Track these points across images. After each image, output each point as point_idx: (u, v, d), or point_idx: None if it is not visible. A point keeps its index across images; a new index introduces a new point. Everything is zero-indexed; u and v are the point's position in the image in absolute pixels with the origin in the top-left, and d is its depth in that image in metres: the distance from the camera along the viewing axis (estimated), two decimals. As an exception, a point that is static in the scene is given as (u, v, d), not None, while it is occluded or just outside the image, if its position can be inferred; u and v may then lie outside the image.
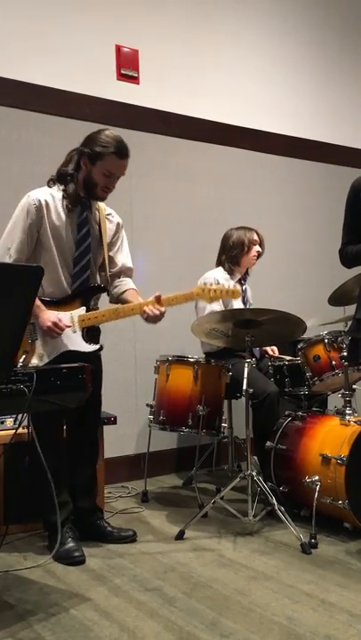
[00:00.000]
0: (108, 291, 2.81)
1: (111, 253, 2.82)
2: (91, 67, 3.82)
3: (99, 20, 3.85)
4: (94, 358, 2.67)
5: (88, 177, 2.64)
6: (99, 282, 2.77)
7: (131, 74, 3.96)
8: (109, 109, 3.84)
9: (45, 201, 2.62)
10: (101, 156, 2.60)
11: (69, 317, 2.62)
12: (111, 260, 2.82)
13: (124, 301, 2.77)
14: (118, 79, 3.93)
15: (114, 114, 3.86)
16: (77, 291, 2.67)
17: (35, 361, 2.56)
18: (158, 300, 2.64)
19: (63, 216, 2.65)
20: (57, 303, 2.63)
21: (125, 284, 2.85)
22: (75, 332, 2.62)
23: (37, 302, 2.56)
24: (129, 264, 2.88)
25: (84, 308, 2.66)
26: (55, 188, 2.68)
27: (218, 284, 3.55)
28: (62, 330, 2.56)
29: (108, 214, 2.82)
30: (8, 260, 2.57)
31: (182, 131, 4.16)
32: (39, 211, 2.61)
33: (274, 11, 4.65)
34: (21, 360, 2.48)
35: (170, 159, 4.11)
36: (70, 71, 3.73)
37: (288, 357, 3.57)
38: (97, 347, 2.67)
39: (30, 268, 2.21)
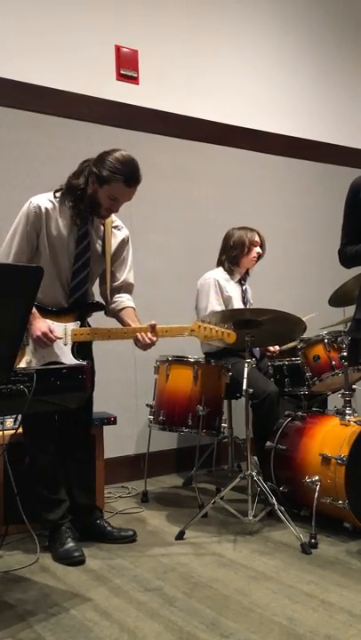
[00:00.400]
0: (106, 310, 2.79)
1: (113, 268, 2.78)
2: (90, 67, 3.82)
3: (98, 19, 3.85)
4: (89, 354, 2.69)
5: (94, 196, 2.59)
6: (94, 298, 2.76)
7: (130, 74, 3.96)
8: (109, 109, 3.84)
9: (46, 208, 2.59)
10: (109, 182, 2.54)
11: (63, 329, 2.59)
12: (112, 274, 2.78)
13: (121, 320, 2.75)
14: (118, 79, 3.93)
15: (113, 114, 3.86)
16: (75, 305, 2.66)
17: (22, 366, 2.52)
18: (153, 328, 2.62)
19: (62, 227, 2.62)
20: (53, 313, 2.61)
21: (124, 301, 2.80)
22: (65, 344, 2.59)
23: (34, 310, 2.54)
24: (130, 280, 2.84)
25: (79, 322, 2.64)
26: (60, 197, 2.63)
27: (217, 285, 3.58)
28: (51, 341, 2.53)
29: (115, 226, 2.78)
30: None
31: (182, 131, 4.16)
32: (39, 217, 2.58)
33: (273, 11, 4.66)
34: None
35: (169, 159, 4.11)
36: (69, 71, 3.73)
37: (291, 344, 3.53)
38: (83, 364, 2.58)
39: (30, 269, 2.21)
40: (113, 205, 2.62)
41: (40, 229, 2.60)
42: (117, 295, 2.81)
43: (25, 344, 2.56)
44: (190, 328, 2.65)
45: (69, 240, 2.63)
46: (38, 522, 2.81)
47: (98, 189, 2.57)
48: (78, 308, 2.66)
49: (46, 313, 2.59)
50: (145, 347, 2.63)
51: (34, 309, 2.53)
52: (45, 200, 2.61)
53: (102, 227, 2.73)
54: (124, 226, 2.83)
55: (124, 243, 2.80)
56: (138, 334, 2.61)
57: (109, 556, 2.61)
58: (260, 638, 1.92)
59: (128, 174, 2.55)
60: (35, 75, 3.60)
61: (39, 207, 2.59)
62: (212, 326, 2.66)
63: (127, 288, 2.84)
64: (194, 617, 2.06)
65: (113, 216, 2.76)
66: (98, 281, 2.82)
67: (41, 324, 2.52)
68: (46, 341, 2.52)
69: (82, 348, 2.64)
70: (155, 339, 2.62)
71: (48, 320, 2.57)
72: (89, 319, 2.76)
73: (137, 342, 2.63)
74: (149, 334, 2.60)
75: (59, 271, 2.63)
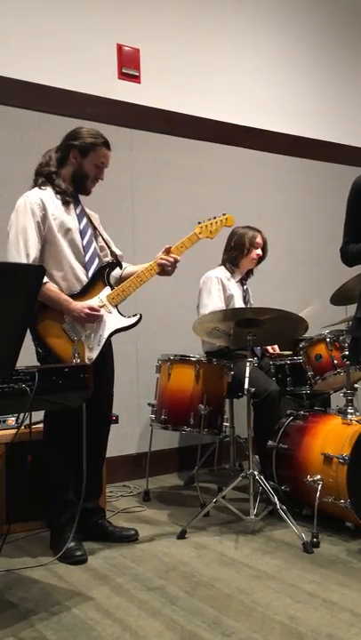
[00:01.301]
0: (121, 264, 2.85)
1: (101, 243, 2.86)
2: (92, 66, 3.81)
3: (100, 19, 3.84)
4: (110, 350, 2.78)
5: (79, 170, 2.70)
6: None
7: (132, 73, 3.96)
8: (110, 108, 3.84)
9: (41, 199, 2.63)
10: (94, 148, 2.68)
11: (98, 300, 2.66)
12: (102, 248, 2.86)
13: (131, 274, 2.80)
14: (119, 78, 3.93)
15: (115, 113, 3.86)
16: (94, 275, 2.69)
17: (89, 354, 2.62)
18: (168, 251, 2.76)
19: (63, 210, 2.67)
20: (80, 295, 2.65)
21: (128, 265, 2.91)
22: (110, 312, 2.68)
23: (63, 296, 2.60)
24: (119, 251, 2.94)
25: (108, 287, 2.71)
26: (43, 186, 2.70)
27: (220, 283, 3.58)
28: (99, 311, 2.62)
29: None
30: (26, 260, 2.55)
31: (184, 130, 4.15)
32: (42, 209, 2.62)
33: (275, 10, 4.65)
34: (76, 360, 2.52)
35: (171, 158, 4.11)
36: (71, 70, 3.73)
37: (288, 352, 3.56)
38: (137, 317, 2.73)
39: (32, 268, 2.21)
40: (98, 173, 2.73)
41: (45, 220, 2.63)
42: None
43: (79, 337, 2.61)
44: (196, 233, 2.82)
45: (72, 220, 2.68)
46: (40, 521, 2.82)
47: (82, 161, 2.69)
48: (99, 276, 2.71)
49: (74, 297, 2.64)
50: (172, 267, 2.77)
51: (65, 296, 2.60)
52: (38, 193, 2.66)
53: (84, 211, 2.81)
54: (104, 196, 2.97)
55: (97, 219, 2.91)
56: (160, 260, 2.73)
57: (111, 555, 2.61)
58: (261, 637, 1.92)
59: (105, 139, 2.72)
60: (37, 74, 3.60)
61: (38, 199, 2.63)
62: (210, 221, 2.84)
63: (121, 258, 2.93)
64: (195, 616, 2.06)
65: None
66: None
67: (79, 306, 2.60)
68: (95, 314, 2.61)
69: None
70: (177, 256, 2.77)
71: (81, 302, 2.63)
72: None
73: (164, 269, 2.75)
74: (171, 255, 2.76)
75: (73, 251, 2.67)
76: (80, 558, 2.53)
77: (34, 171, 2.76)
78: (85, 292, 2.67)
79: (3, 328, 1.78)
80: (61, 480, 2.66)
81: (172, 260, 2.75)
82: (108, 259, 2.81)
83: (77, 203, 2.74)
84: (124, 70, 3.93)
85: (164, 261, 2.74)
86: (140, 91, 3.98)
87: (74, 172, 2.70)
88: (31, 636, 1.95)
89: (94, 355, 2.63)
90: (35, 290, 1.89)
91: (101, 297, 2.68)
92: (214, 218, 2.87)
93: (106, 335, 2.67)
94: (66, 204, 2.68)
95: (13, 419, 2.93)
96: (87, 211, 2.84)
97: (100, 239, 2.83)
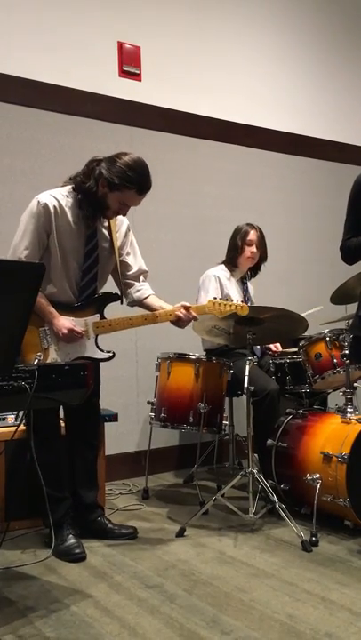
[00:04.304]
0: (122, 299, 2.81)
1: (123, 258, 2.80)
2: (92, 63, 3.81)
3: (101, 16, 3.84)
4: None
5: (103, 198, 2.58)
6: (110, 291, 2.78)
7: (133, 70, 3.95)
8: (111, 106, 3.84)
9: (54, 207, 2.58)
10: (120, 189, 2.54)
11: (83, 324, 2.64)
12: (125, 264, 2.81)
13: (148, 306, 2.78)
14: (120, 76, 3.92)
15: (115, 110, 3.85)
16: (92, 298, 2.67)
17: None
18: (187, 308, 2.71)
19: (72, 224, 2.61)
20: (70, 309, 2.63)
21: (147, 288, 2.84)
22: (88, 338, 2.64)
23: (50, 308, 2.57)
24: (144, 267, 2.87)
25: (98, 315, 2.67)
26: (68, 194, 2.62)
27: (217, 281, 3.58)
28: (80, 335, 2.58)
29: (117, 219, 2.79)
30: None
31: (184, 128, 4.15)
32: (48, 216, 2.57)
33: (276, 8, 4.64)
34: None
35: (171, 156, 4.11)
36: (72, 68, 3.73)
37: (292, 350, 3.55)
38: (110, 354, 2.69)
39: (32, 265, 2.21)
40: (122, 209, 2.63)
41: (50, 228, 2.58)
42: (139, 284, 2.84)
43: (46, 346, 2.59)
44: (206, 307, 2.73)
45: (79, 238, 2.63)
46: (39, 518, 2.82)
47: (108, 193, 2.57)
48: (95, 301, 2.68)
49: (64, 309, 2.61)
50: (185, 322, 2.72)
51: (52, 308, 2.56)
52: (52, 198, 2.59)
53: (107, 223, 2.73)
54: (123, 217, 2.83)
55: (128, 232, 2.83)
56: (178, 312, 2.69)
57: (110, 553, 2.61)
58: (260, 636, 1.92)
59: (140, 183, 2.55)
60: (37, 71, 3.60)
61: (47, 206, 2.57)
62: (225, 302, 2.75)
63: (145, 275, 2.88)
64: (194, 614, 2.07)
65: None
66: (112, 277, 2.82)
67: (63, 322, 2.56)
68: (76, 336, 2.56)
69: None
70: (196, 315, 2.72)
71: (68, 317, 2.59)
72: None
73: (177, 321, 2.71)
74: (192, 312, 2.71)
75: (67, 270, 2.63)
76: (79, 556, 2.53)
77: (77, 172, 2.64)
78: (76, 310, 2.64)
79: (2, 325, 1.78)
80: (54, 477, 2.66)
81: (190, 317, 2.70)
82: (112, 290, 2.76)
83: (95, 222, 2.65)
84: (124, 68, 3.92)
85: (183, 317, 2.69)
86: (140, 88, 3.98)
87: (100, 197, 2.57)
88: (30, 634, 1.95)
89: None
90: (35, 287, 1.88)
91: (88, 322, 2.64)
92: (231, 301, 2.77)
93: (72, 357, 2.60)
94: (80, 220, 2.61)
95: (13, 416, 2.93)
96: (117, 224, 2.74)
97: (111, 262, 2.74)
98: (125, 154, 2.58)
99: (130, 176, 2.52)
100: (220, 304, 2.71)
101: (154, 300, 2.81)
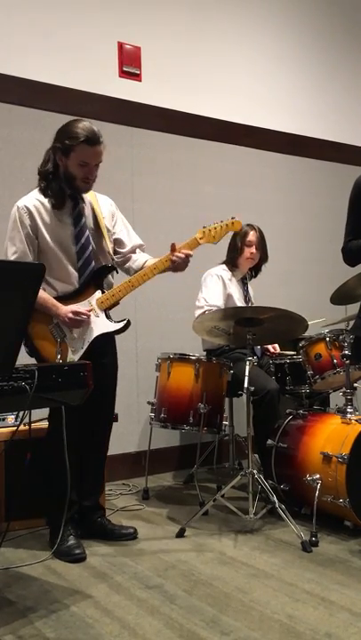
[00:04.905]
0: (117, 269, 2.81)
1: (116, 236, 2.82)
2: (93, 64, 3.81)
3: (101, 17, 3.84)
4: (111, 348, 2.74)
5: (66, 171, 2.62)
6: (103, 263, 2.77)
7: (133, 71, 3.95)
8: (111, 106, 3.84)
9: (34, 206, 2.61)
10: (73, 148, 2.56)
11: (87, 304, 2.65)
12: (119, 242, 2.83)
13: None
14: (120, 76, 3.92)
15: (116, 111, 3.86)
16: (87, 278, 2.68)
17: (71, 356, 2.60)
18: (173, 247, 2.67)
19: (56, 215, 2.64)
20: (71, 297, 2.65)
21: (143, 256, 2.84)
22: (97, 316, 2.65)
23: (52, 301, 2.59)
24: (139, 241, 2.88)
25: (99, 291, 2.68)
26: (41, 189, 2.66)
27: (220, 280, 3.57)
28: (85, 315, 2.59)
29: (97, 199, 2.80)
30: None
31: (184, 128, 4.15)
32: (32, 217, 2.60)
33: (276, 8, 4.65)
34: (58, 360, 2.52)
35: (171, 156, 4.11)
36: (72, 68, 3.73)
37: (290, 352, 3.56)
38: (124, 322, 2.68)
39: (31, 266, 2.21)
40: (87, 172, 2.62)
41: (36, 228, 2.61)
42: (135, 256, 2.85)
43: (63, 337, 2.61)
44: (197, 238, 2.71)
45: (66, 225, 2.65)
46: (40, 518, 2.82)
47: (67, 163, 2.60)
48: (92, 279, 2.68)
49: (65, 300, 2.63)
50: (182, 263, 2.67)
51: (54, 301, 2.59)
52: (30, 199, 2.64)
53: (90, 204, 2.75)
54: (106, 197, 2.85)
55: (114, 210, 2.84)
56: (172, 257, 2.65)
57: (110, 554, 2.61)
58: (260, 636, 1.92)
59: (88, 134, 2.56)
60: (37, 72, 3.60)
61: (27, 207, 2.60)
62: (215, 225, 2.72)
63: (141, 248, 2.88)
64: (194, 614, 2.07)
65: (95, 193, 2.79)
66: (106, 255, 2.81)
67: (65, 309, 2.59)
68: (80, 317, 2.58)
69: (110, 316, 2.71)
70: (188, 251, 2.67)
71: (71, 305, 2.61)
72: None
73: (175, 266, 2.67)
74: (182, 251, 2.66)
75: (69, 257, 2.65)
76: (79, 556, 2.53)
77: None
78: (76, 295, 2.66)
79: (2, 326, 1.78)
80: (64, 480, 2.66)
81: (182, 256, 2.66)
82: (105, 262, 2.76)
83: (76, 204, 2.68)
84: (124, 68, 3.92)
85: (176, 259, 2.65)
86: (140, 89, 3.98)
87: (63, 173, 2.62)
88: (30, 634, 1.95)
89: (77, 357, 2.60)
90: (34, 288, 1.88)
91: (91, 300, 2.66)
92: (221, 221, 2.73)
93: (90, 339, 2.63)
94: (59, 207, 2.63)
95: (13, 416, 2.93)
96: (98, 201, 2.76)
97: (104, 238, 2.75)
98: (69, 122, 2.63)
99: (76, 132, 2.55)
100: (210, 229, 2.70)
101: (152, 261, 2.78)
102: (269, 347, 3.71)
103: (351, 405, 2.96)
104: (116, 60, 3.91)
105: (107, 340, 2.72)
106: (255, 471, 2.84)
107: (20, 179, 3.49)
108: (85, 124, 2.59)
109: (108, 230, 2.78)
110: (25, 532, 2.84)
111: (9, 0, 3.53)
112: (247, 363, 2.90)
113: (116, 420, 3.19)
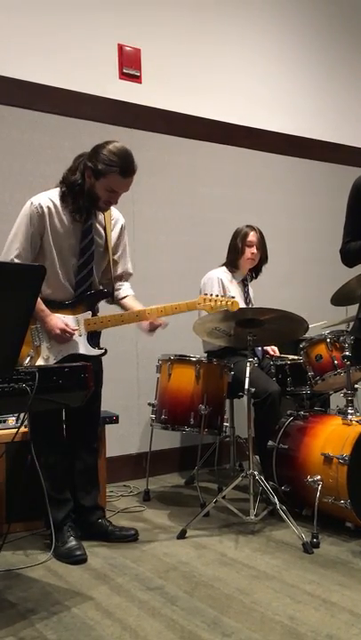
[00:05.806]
0: (113, 297, 2.82)
1: (115, 257, 2.82)
2: (92, 65, 3.81)
3: (101, 18, 3.84)
4: (96, 360, 2.69)
5: (91, 190, 2.60)
6: (102, 287, 2.78)
7: (133, 73, 3.96)
8: (111, 108, 3.84)
9: (48, 207, 2.60)
10: (105, 175, 2.55)
11: (75, 321, 2.65)
12: (115, 263, 2.83)
13: (124, 307, 2.81)
14: (120, 78, 3.93)
15: (116, 113, 3.86)
16: (83, 295, 2.68)
17: (40, 363, 2.58)
18: (153, 324, 2.73)
19: (67, 223, 2.63)
20: (62, 307, 2.64)
21: (125, 288, 2.87)
22: (80, 335, 2.65)
23: (42, 306, 2.58)
24: (130, 269, 2.90)
25: (90, 312, 2.69)
26: (60, 194, 2.64)
27: (220, 283, 3.58)
28: (72, 334, 2.60)
29: (112, 218, 2.80)
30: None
31: (184, 130, 4.16)
32: (42, 218, 2.59)
33: (276, 9, 4.65)
34: (27, 363, 2.50)
35: (172, 158, 4.11)
36: (72, 70, 3.73)
37: (291, 357, 3.56)
38: (101, 351, 2.72)
39: (32, 267, 2.21)
40: (111, 197, 2.63)
41: (44, 229, 2.61)
42: (119, 283, 2.86)
43: (38, 344, 2.60)
44: (196, 303, 2.74)
45: (74, 236, 2.65)
46: (40, 520, 2.82)
47: (95, 183, 2.59)
48: (87, 298, 2.69)
49: (56, 307, 2.63)
50: (154, 327, 2.72)
51: (43, 306, 2.58)
52: (46, 199, 2.62)
53: (103, 220, 2.75)
54: (120, 215, 2.85)
55: (122, 233, 2.84)
56: (148, 326, 2.70)
57: (111, 555, 2.61)
58: (261, 637, 1.92)
59: (123, 165, 2.55)
60: (37, 74, 3.60)
61: (41, 207, 2.59)
62: (215, 297, 2.76)
63: (127, 277, 2.90)
64: (195, 616, 2.06)
65: (111, 209, 2.79)
66: (101, 274, 2.83)
67: (56, 321, 2.58)
68: (67, 336, 2.59)
69: (93, 338, 2.72)
70: (165, 320, 2.73)
71: (59, 314, 2.61)
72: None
73: (150, 326, 2.71)
74: (160, 321, 2.72)
75: (64, 267, 2.65)
76: (80, 558, 2.53)
77: (63, 171, 2.67)
78: (68, 307, 2.66)
79: (3, 327, 1.78)
80: (55, 479, 2.66)
81: (161, 322, 2.73)
82: (104, 283, 2.78)
83: (89, 218, 2.67)
84: (124, 70, 3.93)
85: (148, 327, 2.72)
86: (140, 91, 3.98)
87: (88, 189, 2.60)
88: (31, 636, 1.95)
89: (43, 364, 2.59)
90: (35, 290, 1.89)
91: (79, 318, 2.66)
92: (222, 296, 2.83)
93: (65, 354, 2.62)
94: (74, 218, 2.63)
95: (14, 418, 2.93)
96: (111, 220, 2.76)
97: (108, 256, 2.75)
98: (108, 142, 2.60)
99: (112, 160, 2.54)
100: (210, 300, 2.74)
101: (129, 301, 2.83)
102: (269, 349, 3.72)
103: (352, 406, 2.96)
104: (116, 62, 3.91)
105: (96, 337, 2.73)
106: (256, 472, 2.84)
107: (20, 180, 3.50)
108: (122, 151, 2.56)
109: (113, 250, 2.79)
110: (26, 533, 2.83)
111: (8, 1, 3.53)
112: (248, 364, 2.90)
113: (117, 422, 3.20)
